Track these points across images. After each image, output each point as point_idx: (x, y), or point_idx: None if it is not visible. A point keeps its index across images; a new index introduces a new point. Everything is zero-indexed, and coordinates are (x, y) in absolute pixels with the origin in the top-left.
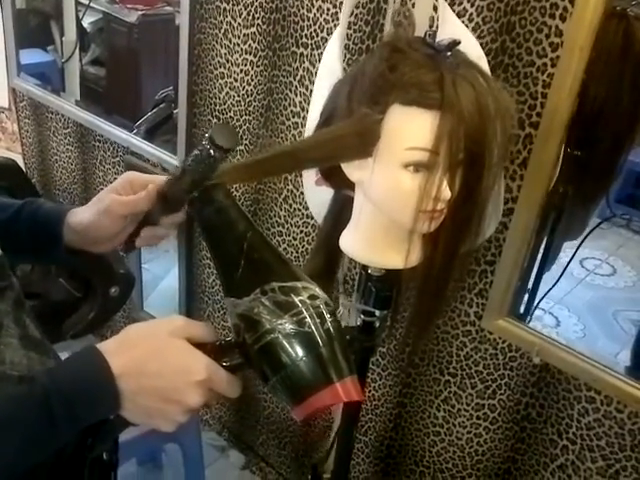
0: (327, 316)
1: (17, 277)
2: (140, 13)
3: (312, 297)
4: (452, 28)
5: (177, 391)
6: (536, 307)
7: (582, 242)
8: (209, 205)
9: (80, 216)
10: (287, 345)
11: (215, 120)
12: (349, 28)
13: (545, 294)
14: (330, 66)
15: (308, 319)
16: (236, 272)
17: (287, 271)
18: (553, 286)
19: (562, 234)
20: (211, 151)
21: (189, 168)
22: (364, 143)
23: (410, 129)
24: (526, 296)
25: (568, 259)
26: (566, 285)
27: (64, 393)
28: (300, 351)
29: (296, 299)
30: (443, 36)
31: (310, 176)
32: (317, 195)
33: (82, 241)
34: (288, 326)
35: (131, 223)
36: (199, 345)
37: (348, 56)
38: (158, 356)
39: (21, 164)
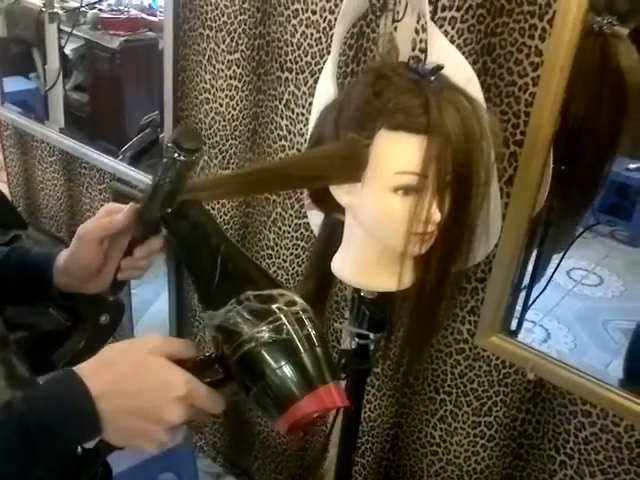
0: (307, 322)
1: (2, 313)
2: (122, 39)
3: (290, 303)
4: (441, 50)
5: (157, 409)
6: (529, 321)
7: (566, 252)
8: (184, 221)
9: (63, 254)
10: (265, 353)
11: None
12: None
13: (530, 305)
14: (324, 91)
15: (286, 326)
16: (212, 284)
17: (263, 279)
18: (537, 297)
19: (550, 247)
20: (176, 155)
21: (159, 181)
22: (352, 168)
23: (398, 153)
24: (518, 311)
25: (553, 270)
26: (554, 296)
27: (42, 420)
28: (279, 358)
29: (273, 306)
30: (433, 58)
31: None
32: (317, 217)
33: (70, 281)
34: (265, 334)
35: (114, 256)
36: (179, 362)
37: None
38: (136, 374)
39: (6, 193)
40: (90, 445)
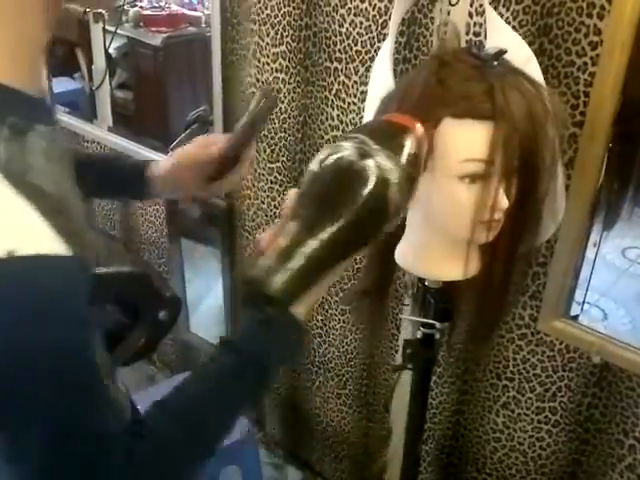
0: None
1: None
2: (164, 35)
3: None
4: (499, 32)
5: None
6: (586, 302)
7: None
8: None
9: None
10: None
11: None
12: (384, 39)
13: (587, 287)
14: (381, 81)
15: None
16: None
17: None
18: (590, 278)
19: (605, 226)
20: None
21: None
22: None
23: (464, 141)
24: (581, 295)
25: (606, 250)
26: (610, 277)
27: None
28: None
29: None
30: (491, 42)
31: None
32: None
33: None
34: None
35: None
36: None
37: None
38: None
39: None
40: None
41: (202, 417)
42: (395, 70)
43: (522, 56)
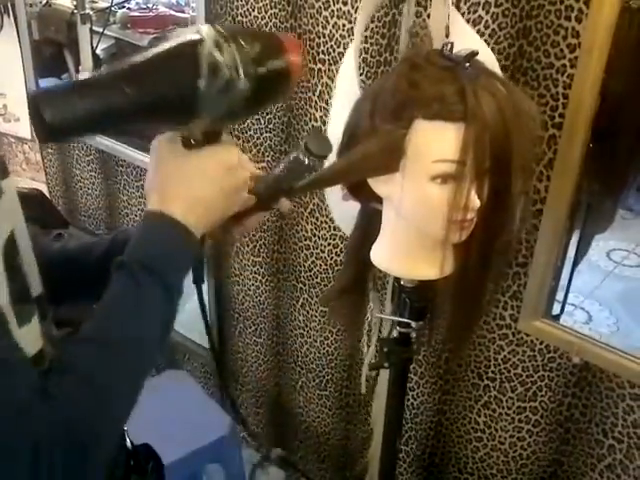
0: None
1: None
2: (152, 37)
3: None
4: (464, 36)
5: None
6: (569, 304)
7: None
8: None
9: None
10: None
11: (235, 139)
12: (366, 42)
13: (567, 287)
14: (347, 83)
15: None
16: None
17: None
18: (571, 278)
19: (590, 229)
20: (305, 160)
21: (281, 176)
22: (390, 159)
23: (435, 142)
24: (561, 295)
25: (575, 250)
26: (595, 279)
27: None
28: None
29: None
30: (456, 46)
31: (334, 192)
32: (343, 209)
33: None
34: None
35: None
36: None
37: (366, 69)
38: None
39: (46, 193)
40: None
41: (113, 335)
42: (377, 72)
43: (486, 61)
